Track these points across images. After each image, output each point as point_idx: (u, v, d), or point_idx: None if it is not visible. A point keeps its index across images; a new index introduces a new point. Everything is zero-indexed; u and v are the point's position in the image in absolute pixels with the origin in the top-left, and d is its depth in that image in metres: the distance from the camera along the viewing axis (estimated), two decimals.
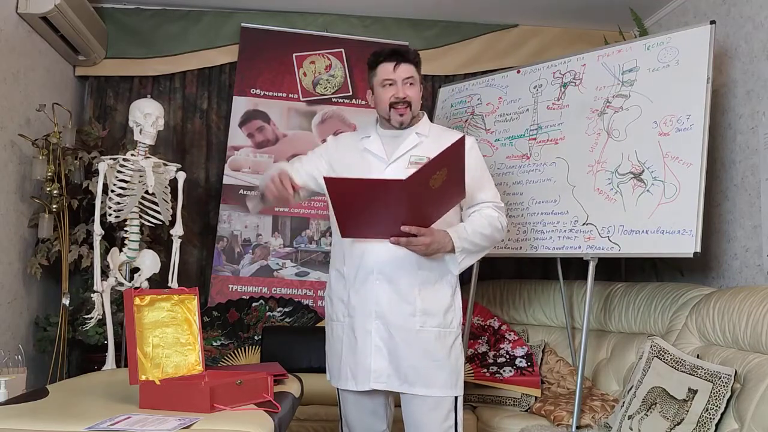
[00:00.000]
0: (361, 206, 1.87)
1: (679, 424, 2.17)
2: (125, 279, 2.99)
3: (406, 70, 2.14)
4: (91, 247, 3.11)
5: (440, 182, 1.86)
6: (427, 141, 2.16)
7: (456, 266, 2.09)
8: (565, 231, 2.93)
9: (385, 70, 2.14)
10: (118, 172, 2.91)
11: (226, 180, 3.82)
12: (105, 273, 2.98)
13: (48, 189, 3.20)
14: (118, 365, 2.91)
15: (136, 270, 3.02)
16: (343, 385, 2.12)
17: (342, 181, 1.91)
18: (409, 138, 2.17)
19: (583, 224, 2.88)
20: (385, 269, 2.05)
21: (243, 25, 3.95)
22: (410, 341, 2.05)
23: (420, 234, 1.95)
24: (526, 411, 2.93)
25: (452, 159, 1.86)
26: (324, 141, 2.35)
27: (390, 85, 2.13)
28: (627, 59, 2.93)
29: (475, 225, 2.09)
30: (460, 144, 1.87)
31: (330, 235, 3.88)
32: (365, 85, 4.07)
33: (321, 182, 2.00)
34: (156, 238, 3.53)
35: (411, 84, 2.14)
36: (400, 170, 2.07)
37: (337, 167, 2.19)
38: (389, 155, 2.15)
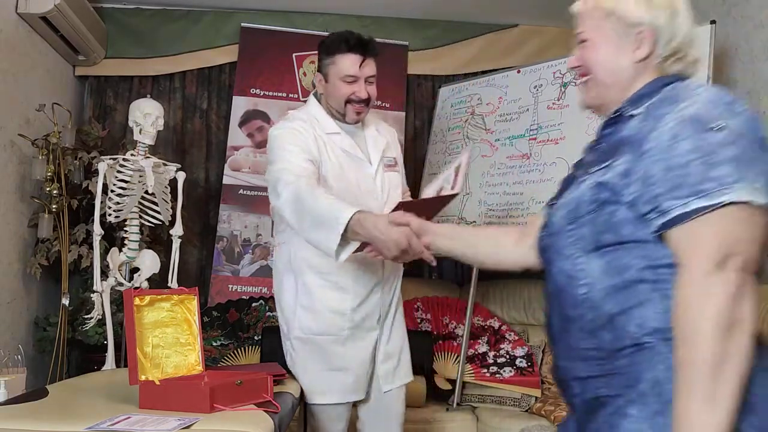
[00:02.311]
0: None
1: None
2: (125, 279, 2.99)
3: (371, 67, 1.94)
4: (91, 247, 3.11)
5: None
6: (386, 139, 2.11)
7: None
8: None
9: (348, 64, 1.91)
10: (118, 172, 2.91)
11: (226, 180, 3.81)
12: (105, 273, 2.98)
13: (48, 189, 3.19)
14: (118, 365, 2.90)
15: (135, 270, 3.02)
16: (348, 398, 2.02)
17: (416, 203, 1.91)
18: (373, 136, 2.07)
19: None
20: (384, 273, 2.05)
21: (243, 24, 3.94)
22: (398, 333, 2.11)
23: None
24: (526, 411, 2.93)
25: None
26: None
27: (352, 82, 1.93)
28: None
29: None
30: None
31: None
32: None
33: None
34: (156, 238, 3.53)
35: (372, 83, 1.96)
36: (381, 174, 2.04)
37: (330, 168, 1.95)
38: (369, 158, 2.03)
